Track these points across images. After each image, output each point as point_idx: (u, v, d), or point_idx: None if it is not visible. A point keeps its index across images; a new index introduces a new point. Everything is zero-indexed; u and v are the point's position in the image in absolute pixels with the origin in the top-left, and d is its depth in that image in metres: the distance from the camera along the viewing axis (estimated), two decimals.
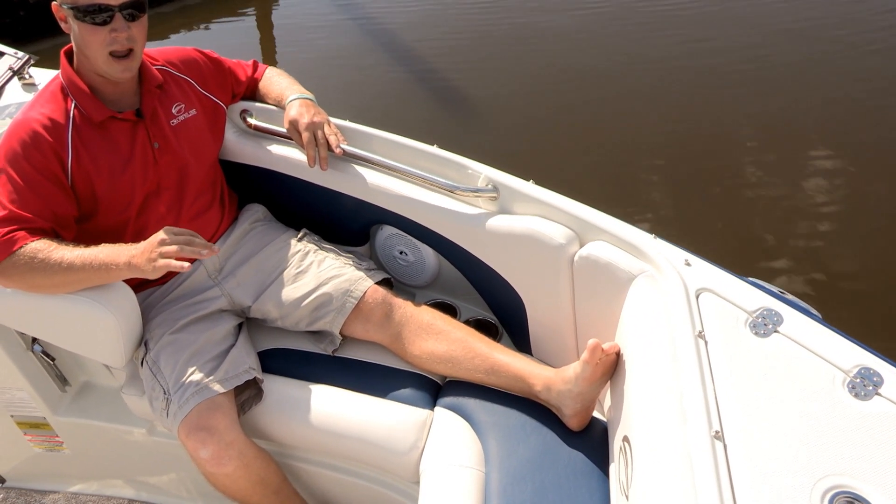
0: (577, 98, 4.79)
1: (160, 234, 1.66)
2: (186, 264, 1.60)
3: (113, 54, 1.73)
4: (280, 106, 2.09)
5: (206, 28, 6.83)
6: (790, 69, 4.88)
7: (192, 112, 1.98)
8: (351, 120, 2.06)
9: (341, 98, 4.92)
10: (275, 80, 2.17)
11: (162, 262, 1.61)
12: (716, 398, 1.32)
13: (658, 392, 1.40)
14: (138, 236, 1.87)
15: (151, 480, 2.29)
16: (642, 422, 1.40)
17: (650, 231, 1.71)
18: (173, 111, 1.94)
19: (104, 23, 1.68)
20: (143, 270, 1.64)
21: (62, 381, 2.16)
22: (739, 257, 3.44)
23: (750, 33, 5.34)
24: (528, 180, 1.84)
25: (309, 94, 2.08)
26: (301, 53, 5.84)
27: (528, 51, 5.39)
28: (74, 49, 1.78)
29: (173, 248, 1.62)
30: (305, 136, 1.95)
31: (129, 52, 1.74)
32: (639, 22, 5.58)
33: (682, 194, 3.98)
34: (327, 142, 1.96)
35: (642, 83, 4.87)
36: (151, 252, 1.63)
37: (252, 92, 2.19)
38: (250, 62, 2.21)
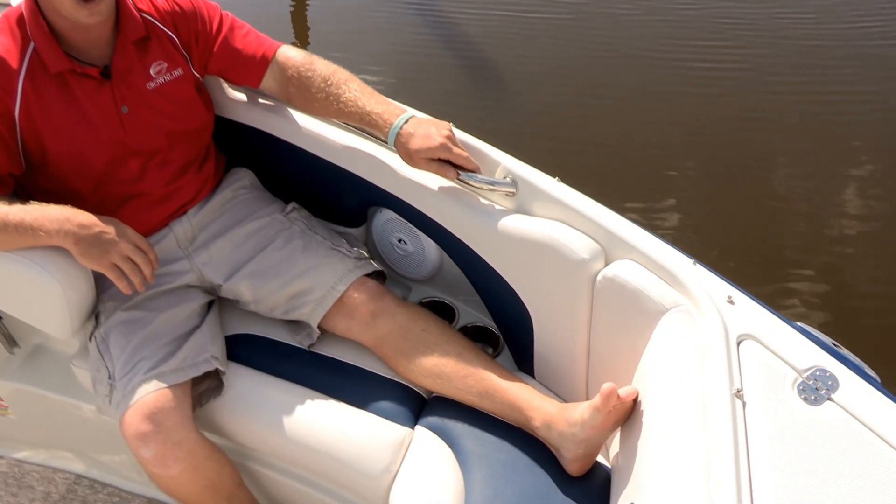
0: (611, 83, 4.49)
1: (129, 237, 1.54)
2: (136, 287, 1.56)
3: None
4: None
5: None
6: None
7: (178, 72, 1.71)
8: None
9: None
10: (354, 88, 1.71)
11: (115, 271, 1.53)
12: (749, 473, 1.11)
13: (679, 456, 1.18)
14: (103, 203, 1.66)
15: (103, 458, 2.11)
16: (657, 488, 1.18)
17: (682, 242, 1.46)
18: (152, 72, 1.67)
19: None
20: (82, 253, 1.50)
21: (10, 341, 1.97)
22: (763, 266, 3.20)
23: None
24: (553, 177, 1.60)
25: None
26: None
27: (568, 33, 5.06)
28: None
29: (129, 267, 1.54)
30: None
31: None
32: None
33: (709, 192, 3.70)
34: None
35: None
36: (108, 248, 1.51)
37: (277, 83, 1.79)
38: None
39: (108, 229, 1.52)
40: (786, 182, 3.62)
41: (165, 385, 1.53)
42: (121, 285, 1.54)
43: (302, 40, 4.87)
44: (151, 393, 1.52)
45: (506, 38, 4.78)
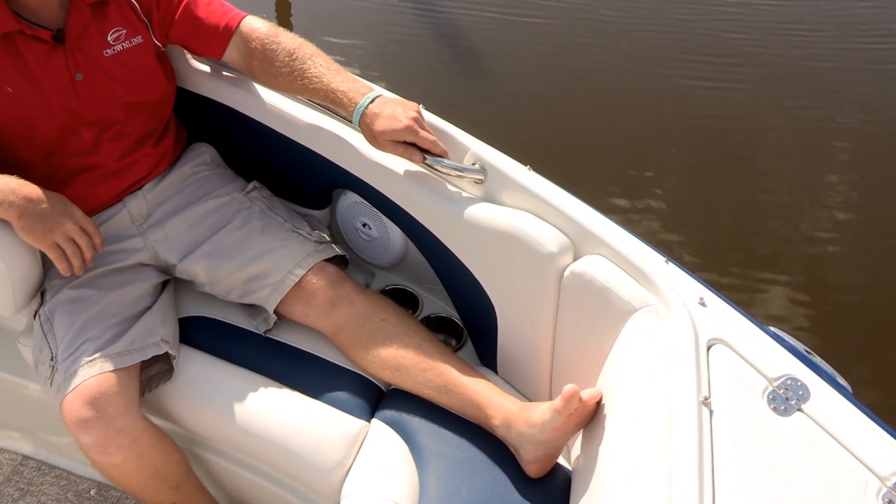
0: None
1: (75, 219, 1.48)
2: (74, 270, 1.52)
3: None
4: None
5: None
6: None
7: (137, 40, 1.62)
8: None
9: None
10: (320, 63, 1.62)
11: (56, 250, 1.47)
12: (713, 483, 1.05)
13: (642, 462, 1.12)
14: (53, 175, 1.58)
15: (51, 440, 2.02)
16: (617, 494, 1.12)
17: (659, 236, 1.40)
18: (109, 38, 1.58)
19: None
20: (24, 228, 1.44)
21: None
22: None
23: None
24: (524, 165, 1.53)
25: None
26: None
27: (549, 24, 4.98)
28: None
29: (71, 249, 1.48)
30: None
31: None
32: None
33: (689, 190, 3.67)
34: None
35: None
36: (53, 227, 1.45)
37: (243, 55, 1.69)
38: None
39: (55, 207, 1.45)
40: (767, 185, 3.57)
41: (110, 368, 1.45)
42: (60, 266, 1.48)
43: (283, 18, 4.76)
44: (95, 377, 1.44)
45: (497, 29, 4.71)
